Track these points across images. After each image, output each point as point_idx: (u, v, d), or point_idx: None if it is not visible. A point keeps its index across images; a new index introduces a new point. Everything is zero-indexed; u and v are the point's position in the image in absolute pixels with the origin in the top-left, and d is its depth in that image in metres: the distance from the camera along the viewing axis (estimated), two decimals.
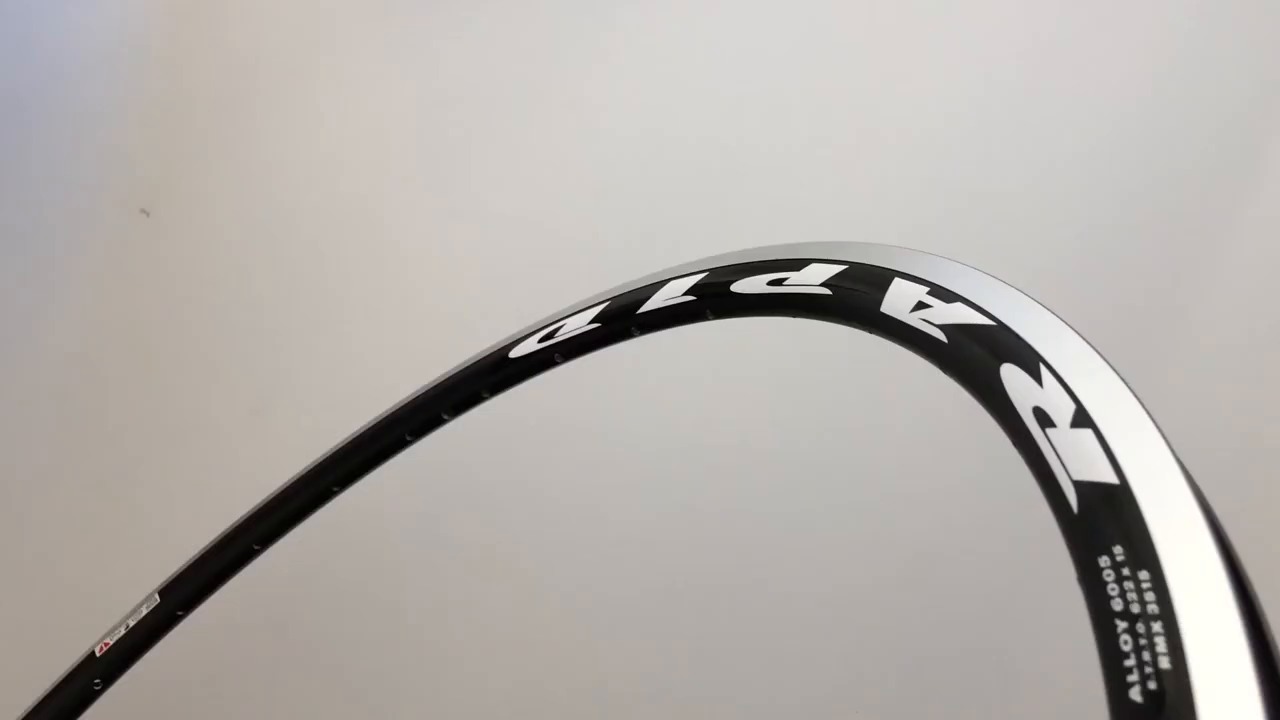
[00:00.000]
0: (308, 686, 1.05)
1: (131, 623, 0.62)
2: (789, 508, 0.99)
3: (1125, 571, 0.22)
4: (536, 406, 1.04)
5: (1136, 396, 0.27)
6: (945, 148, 1.03)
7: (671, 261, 1.03)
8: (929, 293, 0.37)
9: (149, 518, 1.08)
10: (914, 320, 0.37)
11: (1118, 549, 0.23)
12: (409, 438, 0.64)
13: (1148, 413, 0.26)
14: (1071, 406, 0.27)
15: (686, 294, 0.52)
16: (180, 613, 0.62)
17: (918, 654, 0.96)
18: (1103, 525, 0.24)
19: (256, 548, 0.63)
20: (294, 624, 1.05)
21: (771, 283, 0.47)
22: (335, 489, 0.65)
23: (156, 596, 0.63)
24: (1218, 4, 0.98)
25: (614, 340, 0.57)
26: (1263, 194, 0.95)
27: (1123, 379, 0.28)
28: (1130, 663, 0.21)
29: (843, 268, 0.43)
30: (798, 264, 0.46)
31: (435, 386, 0.64)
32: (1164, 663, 0.20)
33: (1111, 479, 0.25)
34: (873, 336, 0.40)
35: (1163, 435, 0.25)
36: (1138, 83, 0.98)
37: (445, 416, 0.63)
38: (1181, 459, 0.26)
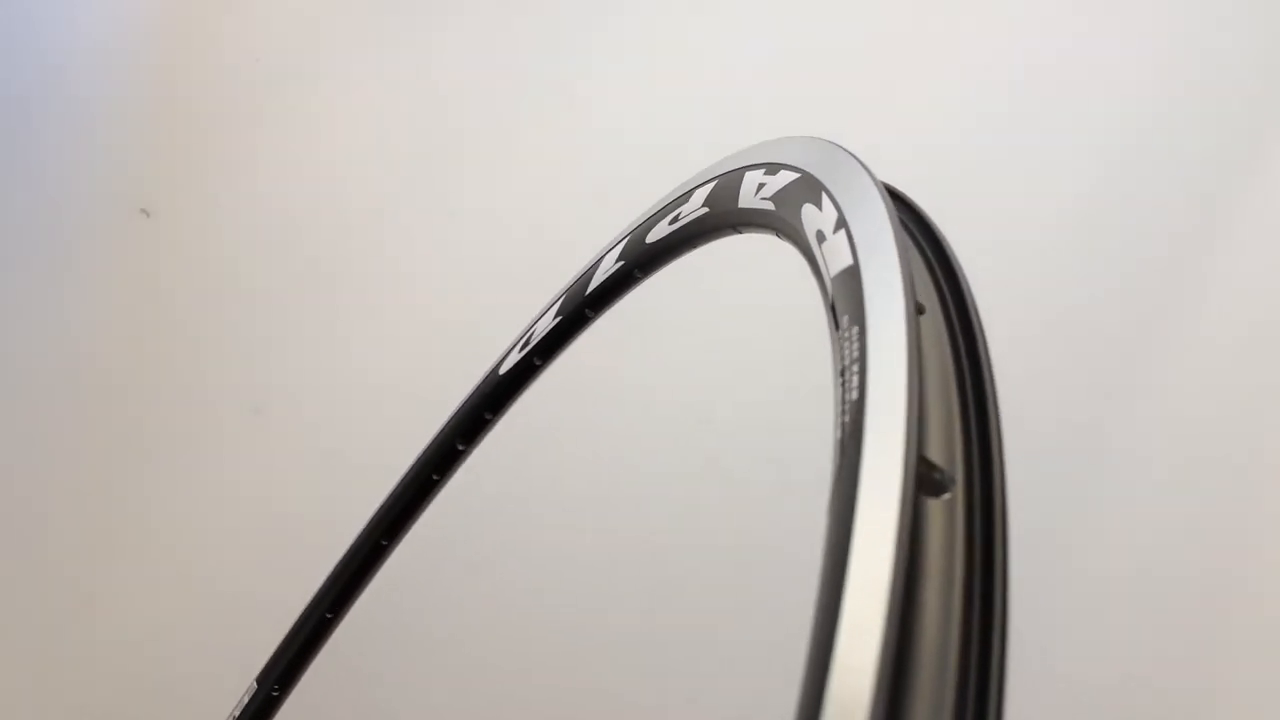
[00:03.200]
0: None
1: (236, 713, 0.66)
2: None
3: (848, 334, 0.23)
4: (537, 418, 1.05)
5: (883, 197, 0.28)
6: (946, 150, 1.01)
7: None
8: (765, 172, 0.38)
9: (149, 517, 1.08)
10: (756, 202, 0.38)
11: (845, 317, 0.24)
12: (435, 477, 0.68)
13: (887, 207, 0.27)
14: (835, 215, 0.28)
15: (617, 262, 0.54)
16: (276, 691, 0.66)
17: None
18: (841, 301, 0.25)
19: (329, 615, 0.67)
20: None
21: (671, 221, 0.48)
22: (385, 543, 0.68)
23: (254, 684, 0.67)
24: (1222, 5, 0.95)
25: (577, 329, 0.59)
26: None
27: (879, 187, 0.29)
28: (841, 405, 0.22)
29: (715, 183, 0.45)
30: (685, 196, 0.47)
31: (446, 426, 0.68)
32: (853, 395, 0.21)
33: (850, 262, 0.26)
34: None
35: (892, 221, 0.26)
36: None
37: (461, 448, 0.67)
38: (917, 238, 0.27)
